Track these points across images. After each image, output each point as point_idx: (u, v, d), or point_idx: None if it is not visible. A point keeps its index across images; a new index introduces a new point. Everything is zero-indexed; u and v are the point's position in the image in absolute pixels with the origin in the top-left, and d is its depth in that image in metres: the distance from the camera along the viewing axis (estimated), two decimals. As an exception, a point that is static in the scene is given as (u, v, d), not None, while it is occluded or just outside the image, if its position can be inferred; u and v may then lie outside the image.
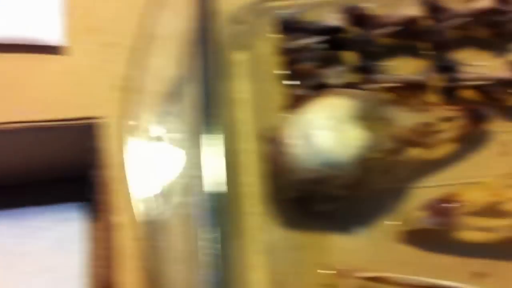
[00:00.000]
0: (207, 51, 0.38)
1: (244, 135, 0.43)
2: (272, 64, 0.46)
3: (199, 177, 0.34)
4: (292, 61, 0.44)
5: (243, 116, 0.44)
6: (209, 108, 0.36)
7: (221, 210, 0.34)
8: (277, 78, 0.45)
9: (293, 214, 0.40)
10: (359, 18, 0.45)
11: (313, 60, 0.43)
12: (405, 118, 0.40)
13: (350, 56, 0.45)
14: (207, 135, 0.35)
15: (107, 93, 0.44)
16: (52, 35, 0.46)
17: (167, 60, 0.42)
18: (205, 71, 0.37)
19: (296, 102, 0.42)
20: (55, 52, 0.46)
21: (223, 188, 0.34)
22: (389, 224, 0.39)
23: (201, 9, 0.40)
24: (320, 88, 0.42)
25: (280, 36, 0.46)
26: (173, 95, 0.41)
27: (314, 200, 0.39)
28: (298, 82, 0.43)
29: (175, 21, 0.43)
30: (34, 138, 0.38)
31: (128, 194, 0.37)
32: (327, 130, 0.38)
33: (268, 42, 0.47)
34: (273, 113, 0.43)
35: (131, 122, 0.39)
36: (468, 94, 0.44)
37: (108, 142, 0.39)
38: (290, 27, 0.46)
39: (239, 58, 0.46)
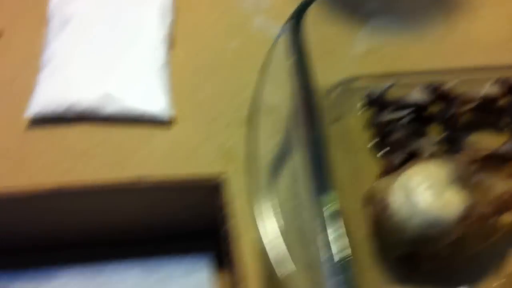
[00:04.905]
0: (315, 122, 0.42)
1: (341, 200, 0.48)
2: (363, 136, 0.51)
3: (323, 237, 0.38)
4: (384, 133, 0.49)
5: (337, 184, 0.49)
6: (322, 174, 0.40)
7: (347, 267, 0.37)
8: (369, 148, 0.50)
9: (400, 272, 0.44)
10: (442, 95, 0.50)
11: (404, 132, 0.48)
12: (497, 185, 0.44)
13: (434, 129, 0.50)
14: (322, 199, 0.39)
15: (214, 162, 0.49)
16: (161, 110, 0.51)
17: (270, 131, 0.47)
18: (315, 139, 0.41)
19: (391, 169, 0.47)
20: (163, 124, 0.51)
21: (348, 250, 0.38)
22: (491, 284, 0.43)
23: (303, 84, 0.45)
24: (413, 157, 0.47)
25: (369, 111, 0.51)
26: (276, 164, 0.46)
27: (419, 259, 0.43)
28: (391, 152, 0.48)
29: (277, 94, 0.47)
30: (165, 194, 0.43)
31: (254, 248, 0.42)
32: (427, 193, 0.42)
33: (357, 117, 0.52)
34: (368, 180, 0.48)
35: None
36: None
37: (233, 199, 0.44)
38: (378, 103, 0.51)
39: (330, 131, 0.51)
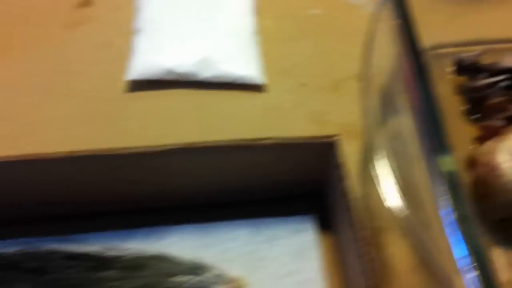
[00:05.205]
0: (427, 82, 0.42)
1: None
2: (453, 101, 0.52)
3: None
4: (479, 98, 0.49)
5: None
6: (440, 134, 0.40)
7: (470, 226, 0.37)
8: (460, 113, 0.51)
9: (501, 235, 0.44)
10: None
11: (501, 97, 0.49)
12: None
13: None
14: (441, 160, 0.39)
15: (306, 126, 0.50)
16: (254, 75, 0.51)
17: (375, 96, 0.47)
18: (430, 99, 0.41)
19: (492, 133, 0.47)
20: (256, 89, 0.52)
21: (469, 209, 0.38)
22: None
23: (411, 46, 0.44)
24: (512, 121, 0.47)
25: (459, 77, 0.52)
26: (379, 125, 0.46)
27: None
28: (486, 117, 0.49)
29: (382, 60, 0.48)
30: (276, 155, 0.44)
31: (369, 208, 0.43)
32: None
33: (447, 82, 0.52)
34: (461, 144, 0.49)
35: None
36: None
37: (345, 159, 0.44)
38: (470, 68, 0.51)
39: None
